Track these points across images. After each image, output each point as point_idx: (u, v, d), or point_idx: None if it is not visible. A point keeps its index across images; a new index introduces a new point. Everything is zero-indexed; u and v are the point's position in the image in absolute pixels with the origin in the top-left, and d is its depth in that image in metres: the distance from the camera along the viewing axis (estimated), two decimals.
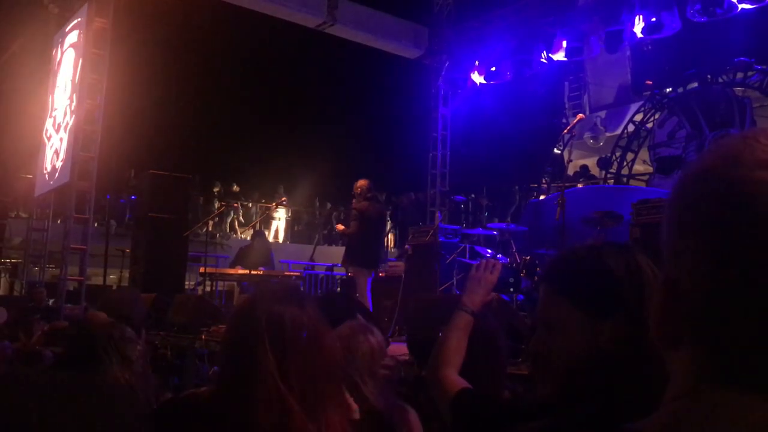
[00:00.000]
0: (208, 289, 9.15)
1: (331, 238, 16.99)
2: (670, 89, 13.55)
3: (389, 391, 1.73)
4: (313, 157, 18.04)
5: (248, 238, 12.25)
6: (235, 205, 16.24)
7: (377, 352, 2.14)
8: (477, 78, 11.89)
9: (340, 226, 8.19)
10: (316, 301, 1.61)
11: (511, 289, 6.72)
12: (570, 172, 14.43)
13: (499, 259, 7.68)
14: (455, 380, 1.68)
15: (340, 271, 10.92)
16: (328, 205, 18.28)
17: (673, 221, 0.60)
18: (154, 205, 8.92)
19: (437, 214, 11.63)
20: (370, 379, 2.02)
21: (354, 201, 7.97)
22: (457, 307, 1.90)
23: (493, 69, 11.58)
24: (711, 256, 0.55)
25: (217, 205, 14.88)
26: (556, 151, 14.52)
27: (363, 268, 7.81)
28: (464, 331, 1.85)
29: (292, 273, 9.72)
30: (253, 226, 11.97)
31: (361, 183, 7.90)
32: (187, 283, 10.03)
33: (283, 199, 11.68)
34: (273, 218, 16.79)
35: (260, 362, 1.40)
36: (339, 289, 10.29)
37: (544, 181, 14.02)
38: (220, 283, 9.18)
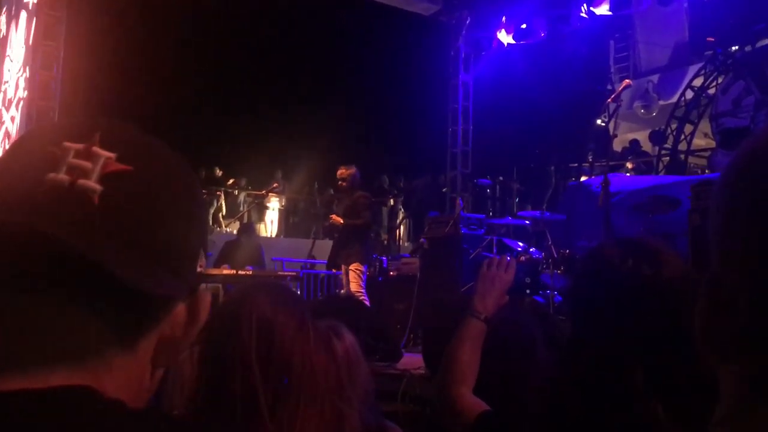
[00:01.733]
0: None
1: (333, 230, 16.93)
2: (736, 48, 13.40)
3: (369, 408, 1.72)
4: (311, 136, 18.02)
5: (235, 232, 12.29)
6: (218, 193, 16.29)
7: (349, 364, 2.09)
8: (504, 38, 11.84)
9: (336, 218, 8.15)
10: (313, 306, 1.59)
11: (528, 291, 6.73)
12: (617, 148, 14.34)
13: (531, 253, 7.69)
14: (471, 402, 1.67)
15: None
16: (331, 192, 18.26)
17: (721, 213, 0.58)
18: None
19: (458, 201, 11.59)
20: (345, 396, 2.01)
21: (351, 190, 8.02)
22: (467, 312, 1.90)
23: (524, 26, 11.53)
24: (760, 255, 0.53)
25: None
26: (599, 123, 14.42)
27: (366, 265, 7.92)
28: (477, 340, 1.85)
29: (286, 273, 9.73)
30: (240, 218, 11.99)
31: (350, 170, 8.01)
32: None
33: (275, 185, 11.70)
34: (266, 208, 16.82)
35: (246, 376, 1.39)
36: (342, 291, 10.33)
37: (587, 161, 13.95)
38: (202, 286, 9.23)
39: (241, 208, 15.46)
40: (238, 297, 1.52)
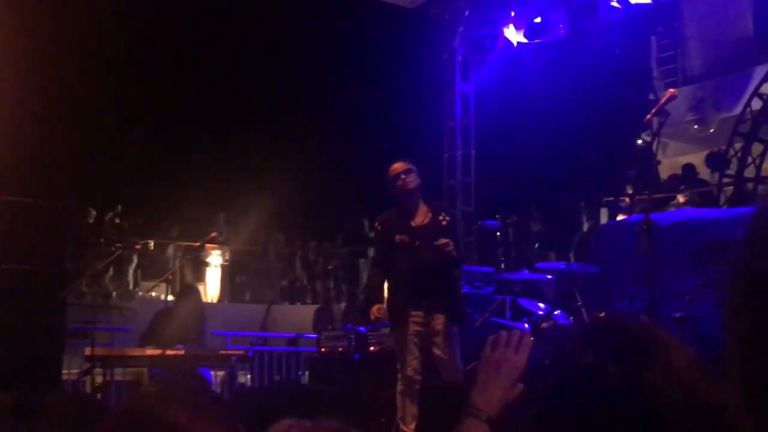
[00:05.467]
0: (99, 380, 9.10)
1: (294, 292, 16.90)
2: None
3: None
4: (265, 169, 18.04)
5: (164, 297, 12.20)
6: (138, 247, 16.24)
7: None
8: (513, 35, 11.97)
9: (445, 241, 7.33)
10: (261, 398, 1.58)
11: None
12: (665, 175, 14.41)
13: (555, 317, 7.66)
14: None
15: (308, 344, 10.84)
16: (281, 239, 18.21)
17: None
18: (8, 250, 8.89)
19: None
20: None
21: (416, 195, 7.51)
22: (465, 411, 1.87)
23: (538, 20, 11.66)
24: None
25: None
26: (640, 144, 14.51)
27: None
28: None
29: (230, 351, 9.65)
30: (167, 280, 11.92)
31: (411, 165, 7.37)
32: (65, 372, 9.98)
33: (214, 235, 11.64)
34: (206, 264, 16.77)
35: None
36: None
37: (626, 194, 14.00)
38: (120, 371, 9.13)
39: (171, 265, 15.40)
40: (142, 404, 1.52)
